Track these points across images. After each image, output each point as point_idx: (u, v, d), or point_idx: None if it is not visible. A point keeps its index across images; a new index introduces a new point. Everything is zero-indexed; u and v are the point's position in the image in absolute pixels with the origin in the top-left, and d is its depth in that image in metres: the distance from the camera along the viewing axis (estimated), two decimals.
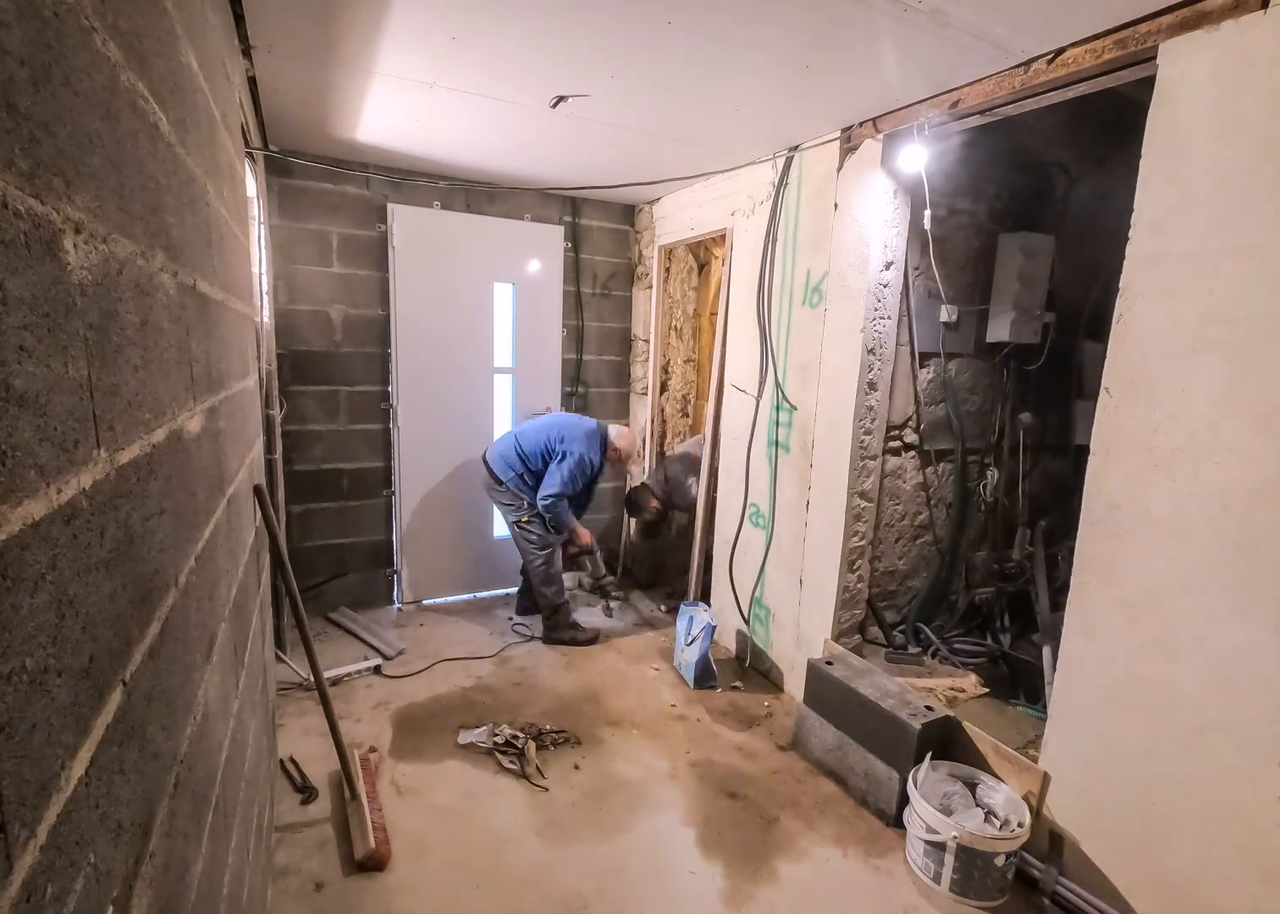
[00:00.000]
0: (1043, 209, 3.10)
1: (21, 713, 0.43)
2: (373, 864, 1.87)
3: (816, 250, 2.66)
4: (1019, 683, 2.73)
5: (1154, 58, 1.61)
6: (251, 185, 2.56)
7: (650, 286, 3.98)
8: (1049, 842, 1.88)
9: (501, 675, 3.02)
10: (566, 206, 3.81)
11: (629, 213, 4.02)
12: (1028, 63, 1.87)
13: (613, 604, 3.79)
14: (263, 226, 2.79)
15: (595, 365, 4.10)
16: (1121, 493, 1.70)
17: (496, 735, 2.46)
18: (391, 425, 3.57)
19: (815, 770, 2.42)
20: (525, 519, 3.36)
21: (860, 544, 2.69)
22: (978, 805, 1.98)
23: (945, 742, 2.13)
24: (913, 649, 2.91)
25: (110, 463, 0.61)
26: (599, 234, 3.96)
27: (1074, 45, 1.76)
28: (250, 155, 2.40)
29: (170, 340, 0.88)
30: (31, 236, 0.47)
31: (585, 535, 3.48)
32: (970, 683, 2.63)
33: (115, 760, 0.59)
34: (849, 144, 2.49)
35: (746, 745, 2.56)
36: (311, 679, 2.07)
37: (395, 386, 3.52)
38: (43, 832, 0.45)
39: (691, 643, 3.01)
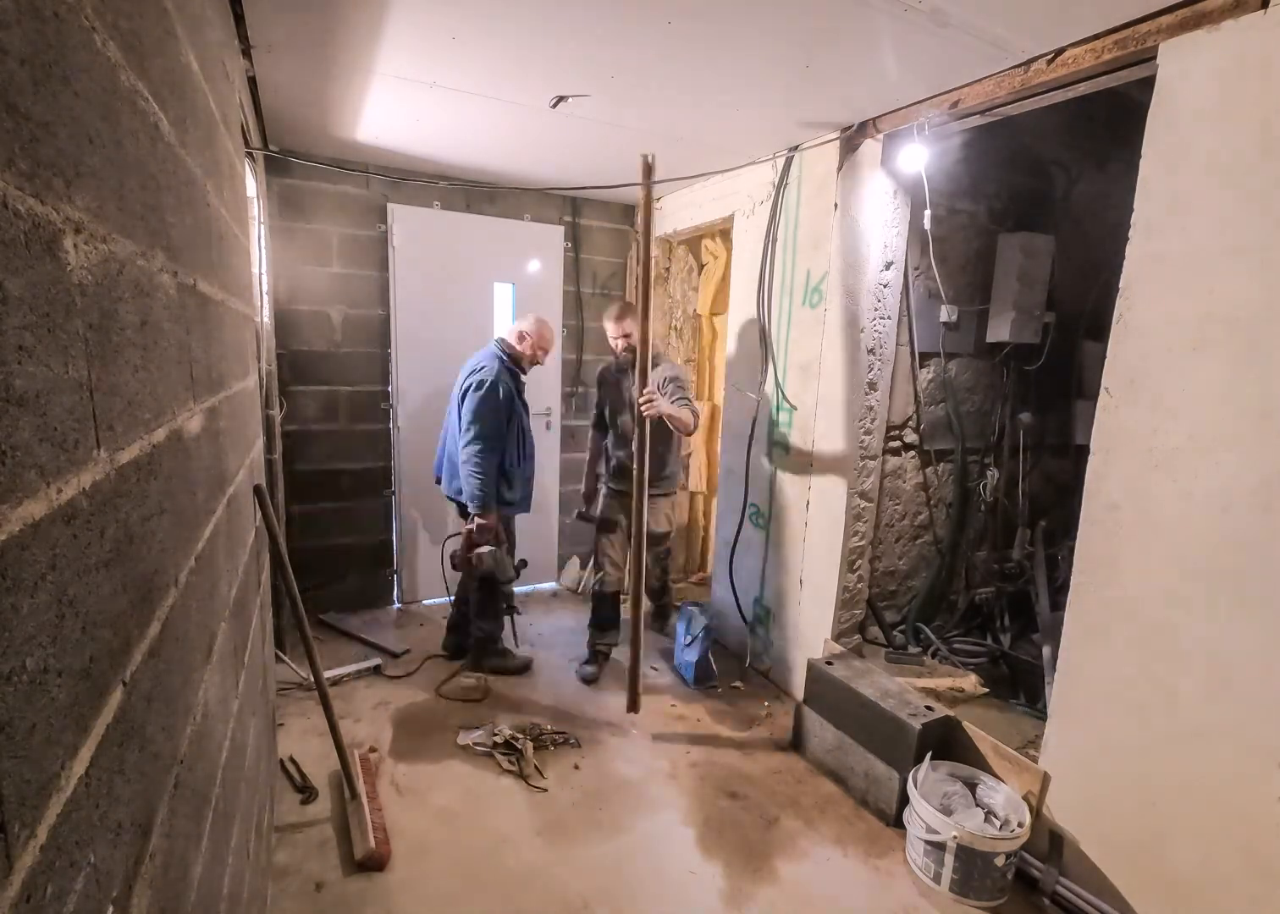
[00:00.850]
0: (1043, 209, 3.09)
1: (21, 713, 0.43)
2: (373, 864, 1.87)
3: (816, 250, 2.66)
4: (1019, 683, 2.74)
5: (1154, 58, 1.61)
6: (251, 185, 2.56)
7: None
8: (1049, 842, 1.88)
9: (502, 675, 3.02)
10: (566, 206, 3.81)
11: (629, 213, 4.02)
12: (1028, 63, 1.87)
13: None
14: (263, 226, 2.79)
15: (594, 365, 4.09)
16: (1121, 493, 1.70)
17: (496, 736, 2.46)
18: (391, 425, 3.57)
19: (815, 770, 2.42)
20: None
21: (860, 544, 2.69)
22: (978, 805, 1.98)
23: (945, 742, 2.13)
24: (913, 649, 2.91)
25: (110, 463, 0.61)
26: (599, 234, 3.96)
27: (1074, 45, 1.76)
28: (250, 155, 2.40)
29: (170, 340, 0.88)
30: (31, 236, 0.47)
31: (491, 518, 2.73)
32: (970, 683, 2.63)
33: (115, 760, 0.59)
34: (849, 144, 2.49)
35: (746, 745, 2.56)
36: (311, 679, 2.07)
37: (395, 386, 3.52)
38: (43, 832, 0.45)
39: (691, 643, 3.00)
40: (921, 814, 1.90)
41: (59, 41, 0.54)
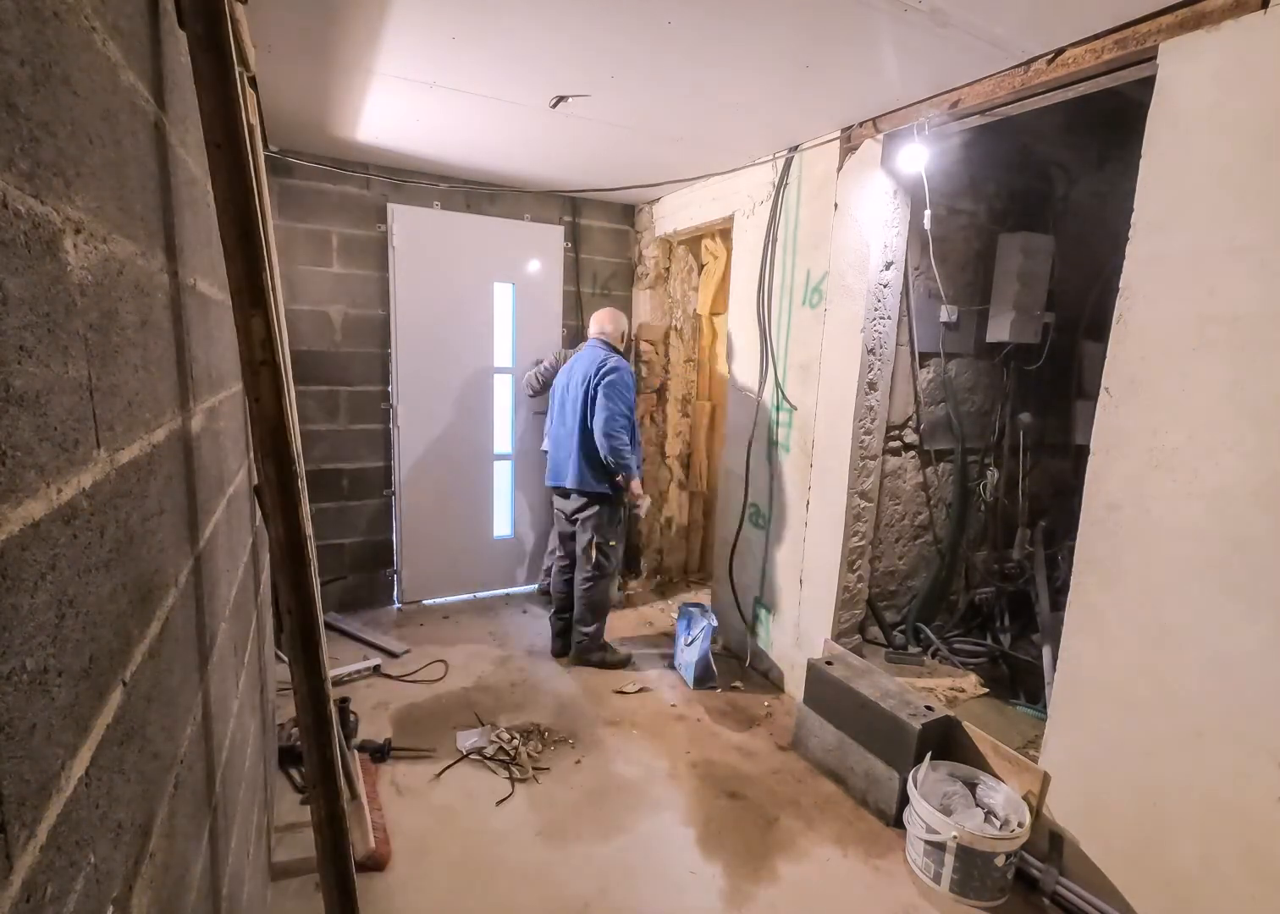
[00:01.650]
0: (1043, 209, 3.10)
1: (21, 713, 0.43)
2: (373, 864, 1.87)
3: (816, 250, 2.66)
4: (1019, 683, 2.74)
5: (1154, 58, 1.61)
6: None
7: (650, 287, 3.98)
8: (1049, 842, 1.88)
9: (502, 675, 3.02)
10: (566, 206, 3.81)
11: (629, 213, 4.02)
12: (1028, 63, 1.87)
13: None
14: None
15: None
16: (1121, 493, 1.70)
17: (493, 742, 2.45)
18: (391, 425, 3.57)
19: (815, 770, 2.42)
20: (612, 542, 3.03)
21: (860, 544, 2.69)
22: (978, 805, 1.98)
23: (945, 742, 2.13)
24: (913, 649, 2.91)
25: (110, 463, 0.61)
26: (599, 234, 3.96)
27: (1074, 45, 1.76)
28: None
29: (171, 341, 0.88)
30: (31, 236, 0.47)
31: (637, 481, 2.97)
32: (970, 683, 2.63)
33: (115, 760, 0.59)
34: (849, 144, 2.49)
35: (746, 745, 2.56)
36: None
37: (395, 386, 3.52)
38: (43, 832, 0.45)
39: (691, 643, 2.99)
40: (921, 814, 1.90)
41: (59, 41, 0.54)
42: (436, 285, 3.53)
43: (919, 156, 2.28)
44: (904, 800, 2.04)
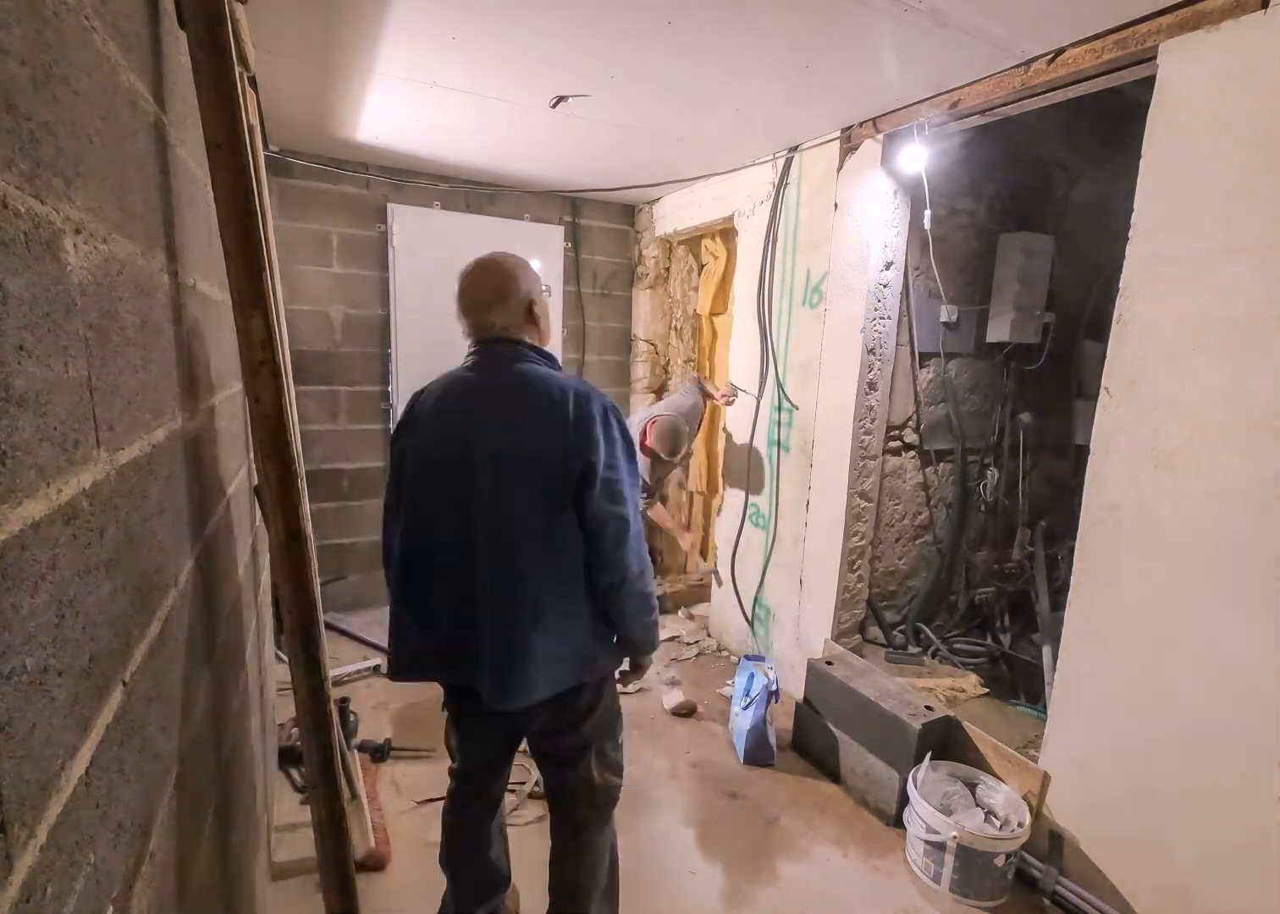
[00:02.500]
0: (1043, 209, 3.10)
1: (21, 713, 0.43)
2: (373, 864, 1.87)
3: (816, 250, 2.66)
4: (1019, 683, 2.74)
5: (1154, 58, 1.61)
6: None
7: (650, 287, 3.98)
8: (1049, 842, 1.88)
9: None
10: (566, 206, 3.81)
11: (629, 213, 4.02)
12: (1028, 63, 1.87)
13: None
14: None
15: (596, 365, 4.10)
16: (1121, 493, 1.70)
17: None
18: (391, 425, 3.57)
19: (815, 770, 2.42)
20: (621, 739, 1.58)
21: (860, 544, 2.69)
22: (978, 805, 1.97)
23: (945, 742, 2.13)
24: (913, 649, 2.91)
25: (110, 463, 0.61)
26: (599, 234, 3.96)
27: (1074, 45, 1.76)
28: None
29: (171, 340, 0.88)
30: (31, 236, 0.47)
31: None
32: (970, 683, 2.63)
33: (115, 760, 0.59)
34: (849, 144, 2.49)
35: None
36: None
37: (395, 386, 3.51)
38: (43, 832, 0.45)
39: (748, 707, 2.44)
40: (921, 814, 1.90)
41: (59, 41, 0.54)
42: (436, 285, 3.52)
43: (919, 156, 2.28)
44: (904, 800, 2.04)
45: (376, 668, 3.00)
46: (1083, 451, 1.83)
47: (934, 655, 2.87)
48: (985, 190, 2.90)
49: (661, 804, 2.21)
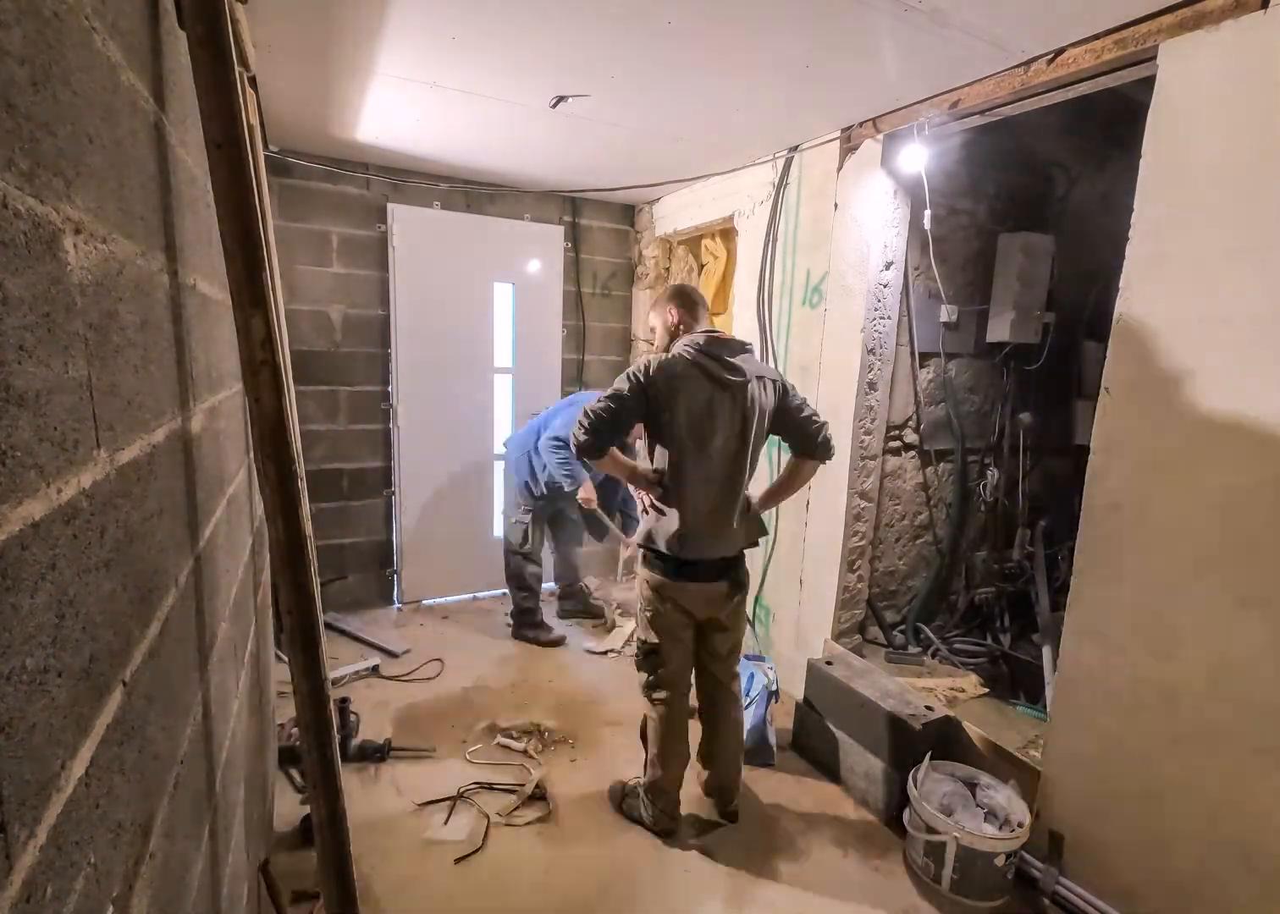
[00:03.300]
0: (1043, 209, 3.10)
1: (21, 713, 0.43)
2: None
3: (816, 250, 2.66)
4: (1019, 683, 2.74)
5: (1154, 58, 1.61)
6: None
7: (650, 287, 3.97)
8: (1049, 842, 1.88)
9: (502, 675, 3.02)
10: (566, 206, 3.81)
11: (629, 213, 4.02)
12: (1028, 63, 1.87)
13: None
14: None
15: (596, 365, 4.10)
16: (1121, 493, 1.70)
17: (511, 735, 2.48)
18: (391, 425, 3.57)
19: (815, 770, 2.42)
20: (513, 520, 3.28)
21: (860, 544, 2.69)
22: (978, 805, 1.97)
23: (945, 742, 2.13)
24: (913, 649, 2.91)
25: (110, 463, 0.61)
26: (599, 234, 3.96)
27: (1074, 45, 1.76)
28: None
29: (171, 340, 0.88)
30: (31, 236, 0.47)
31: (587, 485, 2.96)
32: (970, 683, 2.63)
33: (115, 760, 0.59)
34: (849, 144, 2.49)
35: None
36: None
37: (395, 386, 3.51)
38: (43, 832, 0.45)
39: (748, 707, 2.44)
40: (921, 814, 1.90)
41: (59, 41, 0.54)
42: (436, 285, 3.53)
43: (919, 156, 2.28)
44: (904, 800, 2.04)
45: (375, 668, 3.00)
46: (1083, 451, 1.83)
47: (934, 655, 2.87)
48: (985, 190, 2.90)
49: None
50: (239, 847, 1.26)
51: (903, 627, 3.04)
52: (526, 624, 3.37)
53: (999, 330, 2.94)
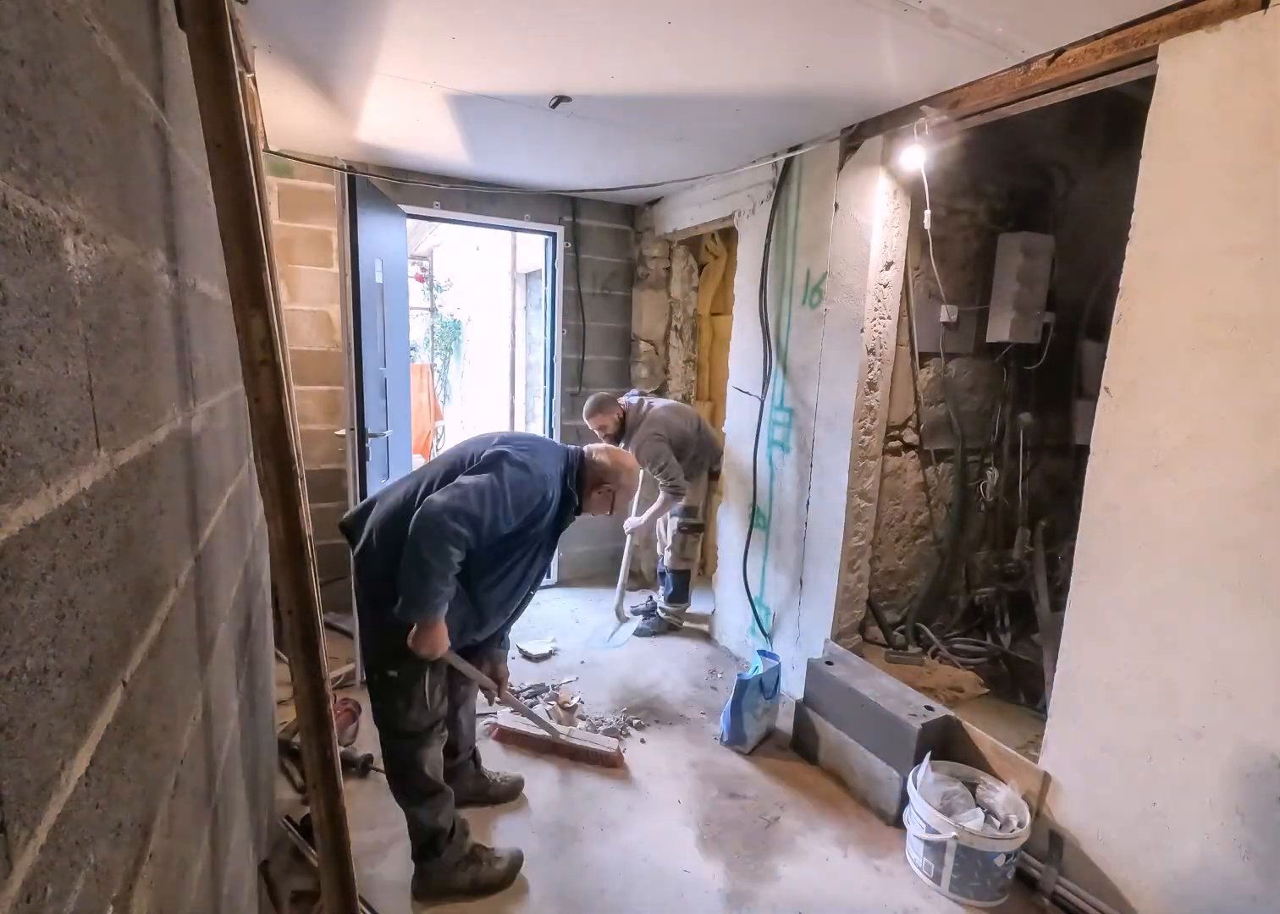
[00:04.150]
0: (1043, 209, 3.09)
1: (21, 713, 0.43)
2: None
3: (816, 250, 2.66)
4: (1019, 683, 2.74)
5: (1154, 58, 1.61)
6: None
7: (650, 287, 3.97)
8: (1049, 842, 1.88)
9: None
10: (566, 207, 3.81)
11: (629, 213, 4.02)
12: (1028, 63, 1.87)
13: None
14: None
15: (596, 365, 4.09)
16: (1121, 493, 1.70)
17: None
18: None
19: (815, 770, 2.42)
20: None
21: (860, 544, 2.69)
22: (978, 805, 1.97)
23: (945, 742, 2.13)
24: (913, 649, 2.91)
25: (110, 463, 0.61)
26: (599, 234, 3.96)
27: (1074, 45, 1.76)
28: None
29: (170, 340, 0.88)
30: (31, 236, 0.47)
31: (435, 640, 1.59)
32: (970, 683, 2.63)
33: (115, 760, 0.59)
34: (849, 144, 2.49)
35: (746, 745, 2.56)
36: None
37: None
38: (43, 832, 0.45)
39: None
40: (921, 814, 1.90)
41: (59, 41, 0.54)
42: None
43: (919, 156, 2.28)
44: (904, 800, 2.04)
45: None
46: (1083, 451, 1.82)
47: (934, 655, 2.87)
48: (985, 190, 2.90)
49: (661, 804, 2.21)
50: (239, 847, 1.26)
51: (903, 626, 3.04)
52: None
53: (999, 330, 2.94)
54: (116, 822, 0.59)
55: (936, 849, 1.87)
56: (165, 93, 0.91)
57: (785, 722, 2.63)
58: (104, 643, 0.58)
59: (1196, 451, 1.56)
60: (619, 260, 4.05)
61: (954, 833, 1.81)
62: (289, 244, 3.18)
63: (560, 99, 2.27)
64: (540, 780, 2.29)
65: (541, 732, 2.39)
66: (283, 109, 2.53)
